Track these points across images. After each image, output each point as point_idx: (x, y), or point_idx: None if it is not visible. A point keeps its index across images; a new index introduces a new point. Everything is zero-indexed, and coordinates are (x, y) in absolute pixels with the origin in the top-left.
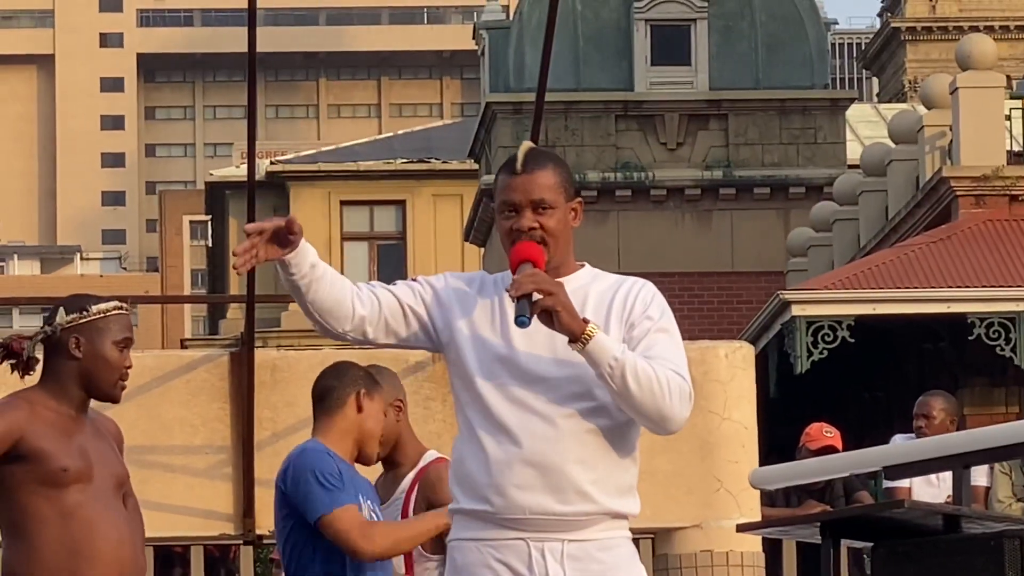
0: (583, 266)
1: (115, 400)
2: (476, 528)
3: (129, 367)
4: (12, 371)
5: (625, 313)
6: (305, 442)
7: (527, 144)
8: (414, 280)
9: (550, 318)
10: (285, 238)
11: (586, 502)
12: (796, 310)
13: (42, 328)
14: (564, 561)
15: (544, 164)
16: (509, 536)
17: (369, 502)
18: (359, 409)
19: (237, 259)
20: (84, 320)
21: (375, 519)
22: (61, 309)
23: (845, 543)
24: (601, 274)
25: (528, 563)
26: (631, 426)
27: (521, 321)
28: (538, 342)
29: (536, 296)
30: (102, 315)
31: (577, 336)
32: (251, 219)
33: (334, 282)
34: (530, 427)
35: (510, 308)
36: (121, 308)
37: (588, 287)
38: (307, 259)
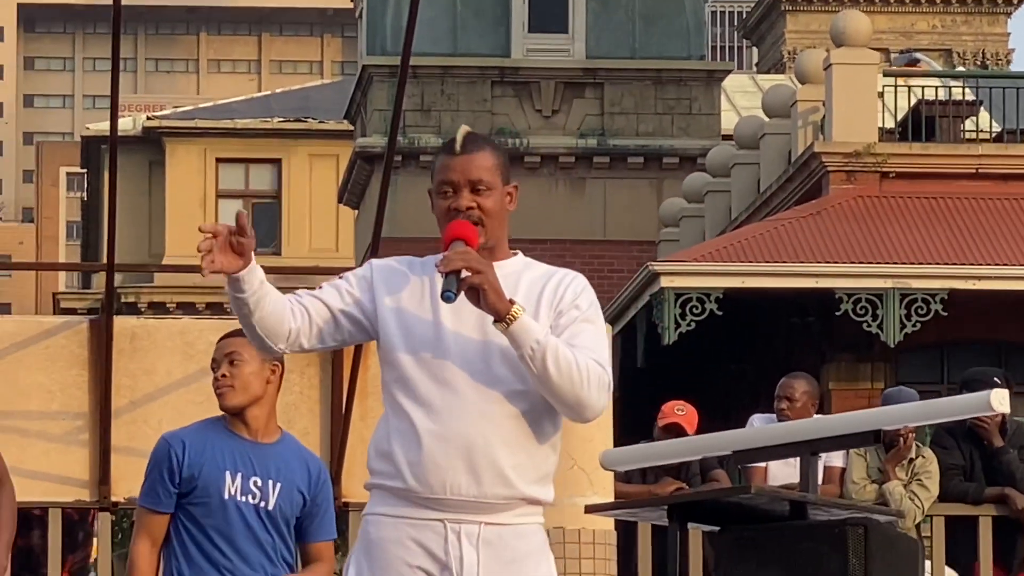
0: (516, 253)
1: None
2: (394, 504)
3: None
4: None
5: (555, 300)
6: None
7: (465, 128)
8: (340, 278)
9: (477, 296)
10: (239, 245)
11: (505, 486)
12: (665, 281)
13: None
14: (479, 545)
15: (482, 146)
16: (427, 516)
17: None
18: None
19: (203, 264)
20: None
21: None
22: None
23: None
24: (533, 263)
25: (444, 545)
26: (553, 413)
27: (447, 296)
28: (467, 323)
29: (464, 273)
30: None
31: (502, 316)
32: (114, 173)
33: (276, 300)
34: (455, 406)
35: (439, 287)
36: None
37: (520, 274)
38: (256, 276)
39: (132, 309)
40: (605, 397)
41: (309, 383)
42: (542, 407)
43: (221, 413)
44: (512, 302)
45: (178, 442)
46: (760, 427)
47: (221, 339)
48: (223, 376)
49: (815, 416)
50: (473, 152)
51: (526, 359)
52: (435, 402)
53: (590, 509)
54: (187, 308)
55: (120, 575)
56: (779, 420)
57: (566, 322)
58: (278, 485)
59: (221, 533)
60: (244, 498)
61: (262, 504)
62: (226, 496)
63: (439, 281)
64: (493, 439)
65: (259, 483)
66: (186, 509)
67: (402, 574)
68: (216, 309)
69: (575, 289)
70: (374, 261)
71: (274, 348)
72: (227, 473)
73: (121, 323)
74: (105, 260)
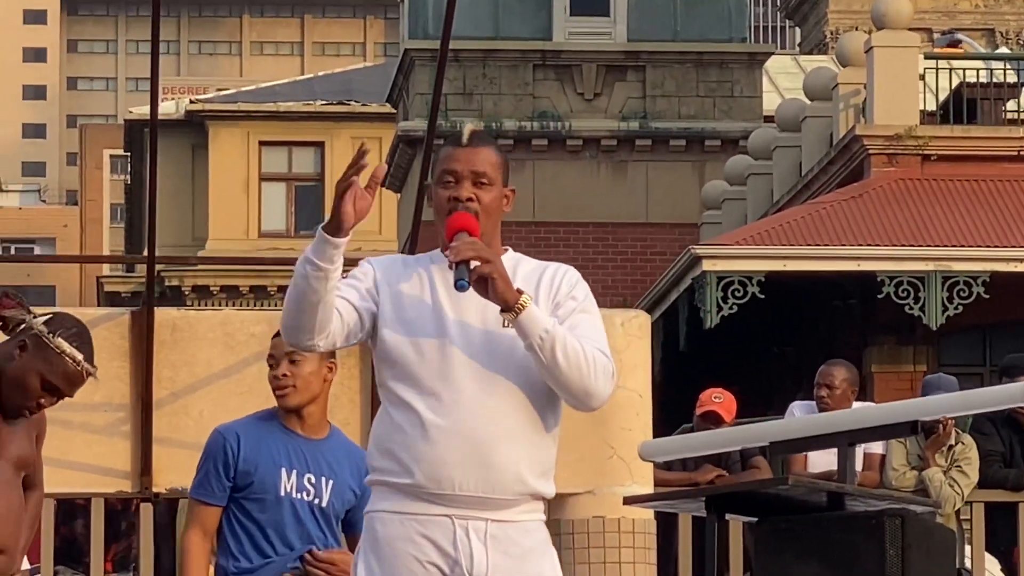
0: (507, 250)
1: (6, 417)
2: (399, 500)
3: (42, 406)
4: None
5: (552, 293)
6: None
7: (472, 125)
8: (346, 276)
9: (485, 286)
10: (362, 201)
11: (512, 481)
12: (707, 265)
13: (19, 315)
14: (487, 541)
15: (488, 143)
16: (434, 511)
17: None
18: None
19: (344, 183)
20: (45, 340)
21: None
22: (41, 318)
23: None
24: (524, 258)
25: (452, 540)
26: (554, 406)
27: (461, 284)
28: (470, 317)
29: (474, 263)
30: (59, 353)
31: (511, 305)
32: (154, 165)
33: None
34: (461, 402)
35: (441, 282)
36: (79, 367)
37: (514, 268)
38: (341, 259)
39: (175, 292)
40: (611, 385)
41: (349, 373)
42: (544, 400)
43: (265, 405)
44: (520, 292)
45: (233, 435)
46: (797, 418)
47: (278, 336)
48: (284, 376)
49: (854, 405)
50: (478, 146)
51: (535, 348)
52: (440, 397)
53: (628, 501)
54: (230, 291)
55: None
56: (819, 408)
57: (564, 313)
58: (330, 482)
59: (275, 528)
60: (299, 495)
61: (316, 501)
62: (282, 493)
63: (441, 278)
64: (500, 435)
65: (313, 480)
66: (240, 503)
67: (413, 570)
68: (259, 292)
69: (570, 281)
70: (372, 259)
71: (314, 340)
72: (283, 470)
73: (162, 314)
74: (146, 252)
